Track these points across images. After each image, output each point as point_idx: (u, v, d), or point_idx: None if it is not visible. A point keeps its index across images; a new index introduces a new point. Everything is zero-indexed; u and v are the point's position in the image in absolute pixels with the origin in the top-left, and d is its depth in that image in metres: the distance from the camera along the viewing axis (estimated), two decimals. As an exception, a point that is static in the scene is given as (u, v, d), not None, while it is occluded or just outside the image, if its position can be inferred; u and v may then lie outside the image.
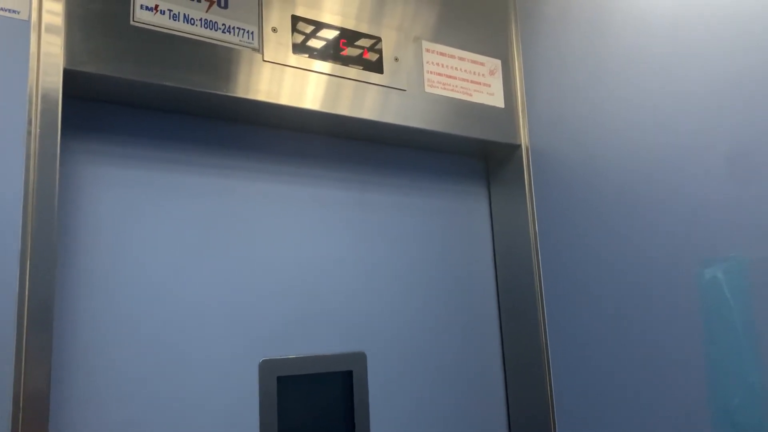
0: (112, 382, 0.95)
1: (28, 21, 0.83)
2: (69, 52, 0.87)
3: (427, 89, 1.22)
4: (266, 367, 1.07)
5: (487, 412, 1.33)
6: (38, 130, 0.82)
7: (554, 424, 1.24)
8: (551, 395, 1.25)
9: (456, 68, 1.27)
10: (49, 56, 0.84)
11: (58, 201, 0.83)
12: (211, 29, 0.99)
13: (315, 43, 1.10)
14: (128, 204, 1.01)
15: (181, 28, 0.97)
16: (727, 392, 0.95)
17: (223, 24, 1.01)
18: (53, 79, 0.84)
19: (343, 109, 1.12)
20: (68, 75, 0.87)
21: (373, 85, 1.16)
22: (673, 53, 1.05)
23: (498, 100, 1.32)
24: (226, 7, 1.02)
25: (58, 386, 0.90)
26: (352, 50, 1.15)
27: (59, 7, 0.86)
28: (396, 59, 1.19)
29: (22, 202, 0.79)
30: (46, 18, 0.85)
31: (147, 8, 0.94)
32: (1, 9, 0.81)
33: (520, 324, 1.33)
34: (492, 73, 1.33)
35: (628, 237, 1.11)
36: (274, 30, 1.06)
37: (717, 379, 0.97)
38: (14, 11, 0.82)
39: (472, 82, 1.29)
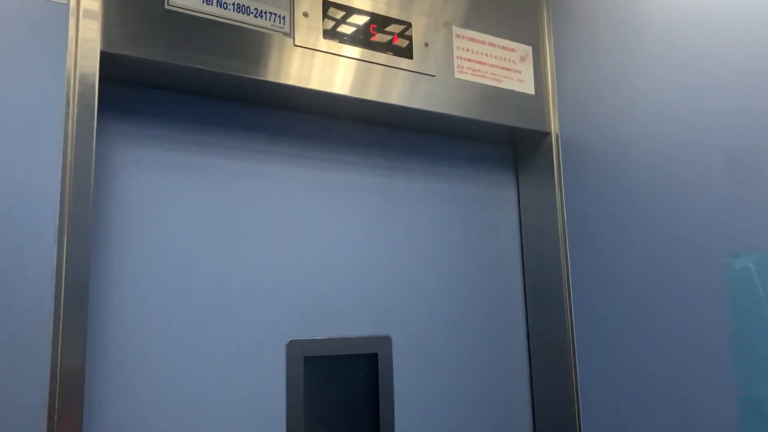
0: (143, 359, 0.97)
1: (67, 5, 0.85)
2: (106, 35, 0.89)
3: (457, 75, 1.22)
4: (293, 347, 1.09)
5: (511, 399, 1.34)
6: (76, 111, 0.84)
7: (579, 411, 1.23)
8: (576, 383, 1.24)
9: (486, 54, 1.26)
10: (86, 41, 0.86)
11: (94, 181, 0.85)
12: (244, 13, 1.00)
13: (345, 28, 1.11)
14: (160, 185, 1.03)
15: (214, 12, 0.98)
16: (754, 383, 0.94)
17: (256, 8, 1.02)
18: (90, 63, 0.86)
19: (372, 94, 1.12)
20: (105, 58, 0.89)
21: (403, 71, 1.16)
22: (706, 41, 1.04)
23: (528, 87, 1.31)
24: (258, -9, 1.03)
25: (92, 363, 0.93)
26: (382, 36, 1.15)
27: (96, -8, 0.88)
28: (426, 45, 1.19)
29: (60, 182, 0.82)
30: (84, 3, 0.86)
31: (181, -7, 0.95)
32: (42, -7, 0.83)
33: (546, 312, 1.33)
34: (522, 59, 1.32)
35: (658, 226, 1.10)
36: (306, 15, 1.07)
37: (745, 370, 0.96)
38: (54, -5, 0.84)
39: (502, 68, 1.28)
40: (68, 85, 0.84)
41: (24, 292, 0.77)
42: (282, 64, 1.03)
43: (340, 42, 1.10)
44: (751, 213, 0.96)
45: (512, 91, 1.29)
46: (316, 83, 1.06)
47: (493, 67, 1.27)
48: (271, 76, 1.02)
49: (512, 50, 1.31)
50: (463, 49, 1.24)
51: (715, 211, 1.01)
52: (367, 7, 1.14)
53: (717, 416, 0.99)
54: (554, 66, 1.34)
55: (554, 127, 1.33)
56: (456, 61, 1.22)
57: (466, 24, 1.26)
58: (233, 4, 1.00)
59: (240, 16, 1.00)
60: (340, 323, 1.16)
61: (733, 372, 0.97)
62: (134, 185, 1.00)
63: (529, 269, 1.39)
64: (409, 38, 1.17)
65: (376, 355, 1.18)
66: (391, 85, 1.14)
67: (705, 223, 1.02)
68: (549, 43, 1.36)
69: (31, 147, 0.80)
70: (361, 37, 1.12)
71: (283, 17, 1.04)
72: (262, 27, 1.02)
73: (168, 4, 0.94)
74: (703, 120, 1.04)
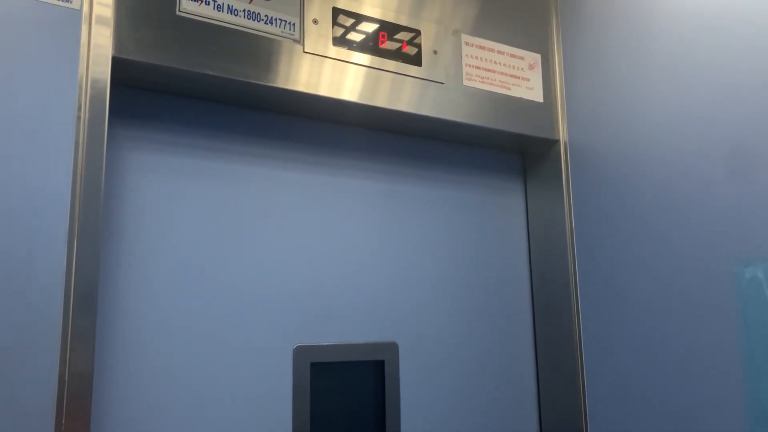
0: (150, 363, 0.97)
1: (80, 10, 0.85)
2: (117, 41, 0.89)
3: (466, 83, 1.22)
4: (300, 353, 1.09)
5: (518, 408, 1.33)
6: (87, 116, 0.85)
7: (586, 421, 1.23)
8: (584, 393, 1.24)
9: (495, 62, 1.27)
10: (98, 46, 0.87)
11: (104, 185, 0.86)
12: (254, 20, 1.01)
13: (355, 36, 1.11)
14: (170, 190, 1.03)
15: (224, 18, 0.98)
16: (766, 395, 0.93)
17: (266, 15, 1.02)
18: (102, 68, 0.87)
19: (381, 101, 1.12)
20: (116, 63, 0.90)
21: (412, 78, 1.16)
22: (716, 49, 1.03)
23: (537, 95, 1.31)
24: (268, -2, 1.03)
25: (100, 366, 0.93)
26: (391, 43, 1.15)
27: (109, -2, 0.89)
28: (435, 52, 1.19)
29: (71, 186, 0.82)
30: (97, 9, 0.87)
31: (192, -1, 0.96)
32: (55, -1, 0.84)
33: (553, 321, 1.32)
34: (531, 67, 1.32)
35: (667, 235, 1.09)
36: (315, 22, 1.07)
37: (756, 381, 0.95)
38: (67, 0, 0.84)
39: (511, 75, 1.28)
40: (80, 90, 0.84)
41: (34, 294, 0.78)
42: (291, 70, 1.04)
43: (349, 49, 1.10)
44: (762, 221, 0.95)
45: (521, 98, 1.29)
46: (325, 90, 1.07)
47: (502, 74, 1.27)
48: (281, 83, 1.02)
49: (521, 58, 1.31)
50: (471, 56, 1.24)
51: (724, 220, 1.00)
52: (377, 15, 1.14)
53: (728, 428, 0.98)
54: (563, 74, 1.34)
55: (563, 135, 1.32)
56: (465, 69, 1.22)
57: (475, 32, 1.26)
58: (244, 10, 1.00)
59: (250, 23, 1.01)
60: (347, 329, 1.16)
61: (745, 385, 0.96)
62: (144, 190, 1.01)
63: (536, 276, 1.38)
64: (418, 46, 1.18)
65: (382, 361, 1.18)
66: (399, 92, 1.14)
67: (714, 231, 1.02)
68: (558, 50, 1.36)
69: (42, 151, 0.81)
70: (371, 44, 1.13)
71: (293, 24, 1.05)
72: (272, 34, 1.03)
73: (179, 11, 0.95)
74: (713, 128, 1.03)
